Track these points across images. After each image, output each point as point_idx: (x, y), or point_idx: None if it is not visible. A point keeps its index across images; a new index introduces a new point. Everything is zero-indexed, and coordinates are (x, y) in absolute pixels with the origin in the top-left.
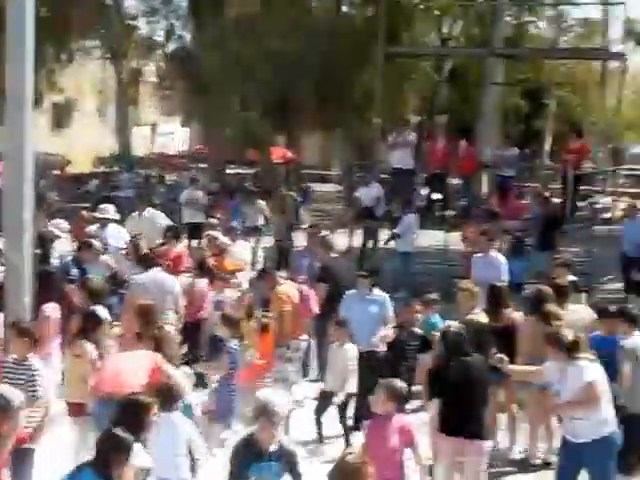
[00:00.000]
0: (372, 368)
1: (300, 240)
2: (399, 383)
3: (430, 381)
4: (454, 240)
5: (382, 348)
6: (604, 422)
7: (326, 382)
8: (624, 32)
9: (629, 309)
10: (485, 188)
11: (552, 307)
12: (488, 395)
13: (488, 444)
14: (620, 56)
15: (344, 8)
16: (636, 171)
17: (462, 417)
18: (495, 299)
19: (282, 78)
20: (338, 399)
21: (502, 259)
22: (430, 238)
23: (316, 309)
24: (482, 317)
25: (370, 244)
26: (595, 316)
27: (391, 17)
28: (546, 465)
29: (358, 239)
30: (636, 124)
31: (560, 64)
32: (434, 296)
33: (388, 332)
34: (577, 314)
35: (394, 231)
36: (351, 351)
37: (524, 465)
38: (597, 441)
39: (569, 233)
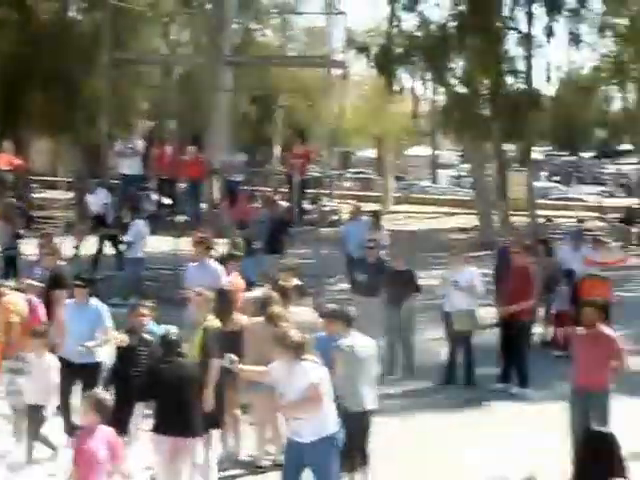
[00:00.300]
0: (86, 379)
1: (29, 248)
2: (103, 394)
3: (145, 383)
4: (184, 245)
5: (99, 357)
6: (326, 422)
7: (29, 395)
8: (346, 41)
9: (345, 310)
10: (217, 193)
11: (278, 309)
12: (222, 394)
13: (203, 439)
14: (342, 64)
15: (71, 13)
16: (362, 174)
17: (177, 417)
18: (223, 303)
19: (7, 81)
20: (45, 412)
21: (218, 266)
22: (160, 243)
23: (45, 319)
24: (216, 322)
25: (111, 251)
26: (317, 317)
27: (117, 23)
28: (275, 466)
29: (89, 246)
30: (361, 129)
31: (288, 71)
32: (150, 303)
33: (113, 339)
34: (300, 316)
35: (125, 239)
36: (53, 362)
37: (253, 467)
38: (319, 441)
39: (297, 236)
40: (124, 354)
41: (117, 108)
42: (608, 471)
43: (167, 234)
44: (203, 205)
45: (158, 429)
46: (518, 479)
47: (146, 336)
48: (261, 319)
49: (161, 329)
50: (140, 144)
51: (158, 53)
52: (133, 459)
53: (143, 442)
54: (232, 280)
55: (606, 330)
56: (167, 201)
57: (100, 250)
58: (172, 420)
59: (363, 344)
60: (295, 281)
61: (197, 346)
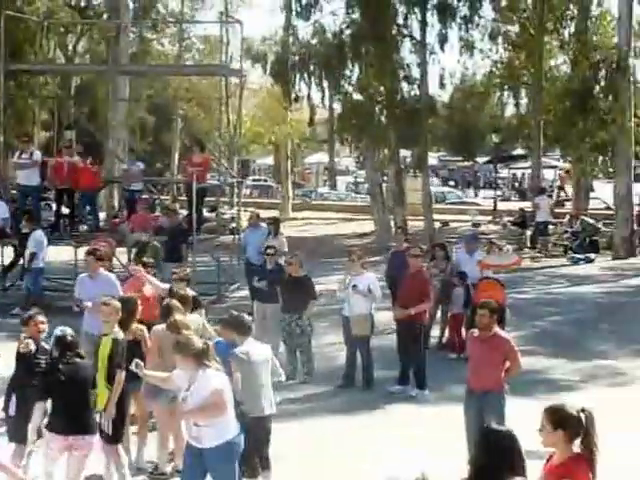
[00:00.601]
0: None
1: None
2: None
3: (42, 382)
4: (84, 255)
5: None
6: (227, 427)
7: None
8: (243, 50)
9: (241, 317)
10: (117, 202)
11: (180, 317)
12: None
13: (96, 438)
14: (239, 73)
15: None
16: (262, 182)
17: (69, 415)
18: (123, 312)
19: None
20: None
21: (111, 276)
22: (60, 253)
23: None
24: (121, 333)
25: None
26: (207, 325)
27: (14, 33)
28: (177, 472)
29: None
30: (260, 137)
31: (185, 80)
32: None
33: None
34: (194, 323)
35: (28, 250)
36: None
37: (155, 473)
38: (220, 446)
39: (196, 244)
40: (22, 364)
41: (15, 119)
42: (509, 469)
43: (66, 244)
44: (101, 214)
45: (51, 427)
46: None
47: (44, 344)
48: (163, 327)
49: (57, 332)
50: (38, 154)
51: (55, 63)
52: (35, 466)
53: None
54: (146, 288)
55: (500, 332)
56: (66, 211)
57: (16, 261)
58: (64, 418)
59: (259, 350)
60: (188, 290)
61: (104, 356)
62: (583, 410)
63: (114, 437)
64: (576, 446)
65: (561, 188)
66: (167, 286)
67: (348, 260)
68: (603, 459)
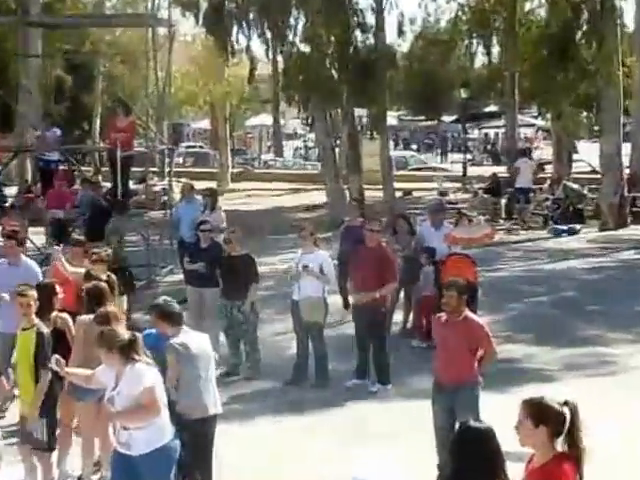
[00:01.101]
0: None
1: None
2: None
3: None
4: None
5: None
6: (161, 431)
7: None
8: None
9: (168, 305)
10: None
11: (111, 307)
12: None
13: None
14: (167, 23)
15: None
16: (196, 148)
17: None
18: (41, 300)
19: None
20: None
21: (32, 263)
22: None
23: None
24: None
25: None
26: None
27: None
28: None
29: None
30: (193, 97)
31: (107, 32)
32: None
33: None
34: None
35: None
36: None
37: None
38: (153, 453)
39: (123, 220)
40: None
41: None
42: (489, 472)
43: None
44: (13, 189)
45: None
46: None
47: None
48: (90, 317)
49: None
50: None
51: None
52: None
53: None
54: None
55: (471, 315)
56: None
57: None
58: None
59: (198, 341)
60: (105, 275)
61: (29, 353)
62: (567, 403)
63: (49, 444)
64: (559, 444)
65: (529, 150)
66: (81, 270)
67: (298, 236)
68: (589, 458)
